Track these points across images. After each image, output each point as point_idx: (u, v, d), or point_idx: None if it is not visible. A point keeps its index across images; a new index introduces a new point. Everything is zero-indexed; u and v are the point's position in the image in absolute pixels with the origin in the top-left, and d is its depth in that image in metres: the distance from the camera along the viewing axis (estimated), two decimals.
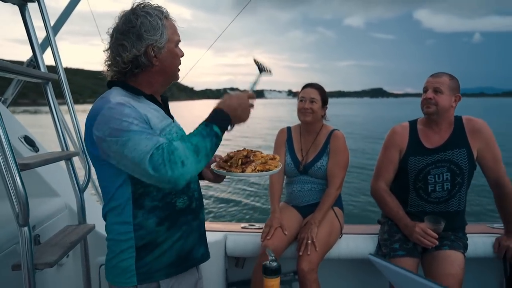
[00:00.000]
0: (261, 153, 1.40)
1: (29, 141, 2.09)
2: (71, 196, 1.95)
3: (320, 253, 2.03)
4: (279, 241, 2.07)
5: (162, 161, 1.03)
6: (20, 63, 2.23)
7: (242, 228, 2.39)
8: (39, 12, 1.91)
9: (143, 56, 1.20)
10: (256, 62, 1.39)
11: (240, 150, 1.38)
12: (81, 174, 1.94)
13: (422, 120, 2.14)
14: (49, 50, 1.98)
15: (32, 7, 1.88)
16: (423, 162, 2.04)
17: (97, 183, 2.64)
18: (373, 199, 2.22)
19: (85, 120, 1.18)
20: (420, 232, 1.93)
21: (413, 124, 2.15)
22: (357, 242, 2.24)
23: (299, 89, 2.29)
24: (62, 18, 2.48)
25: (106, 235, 1.28)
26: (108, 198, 1.24)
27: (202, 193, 1.42)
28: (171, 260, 1.27)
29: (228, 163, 1.33)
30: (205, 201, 1.59)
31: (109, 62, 1.26)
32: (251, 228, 2.37)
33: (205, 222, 1.44)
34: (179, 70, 1.33)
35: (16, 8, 1.83)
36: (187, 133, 1.20)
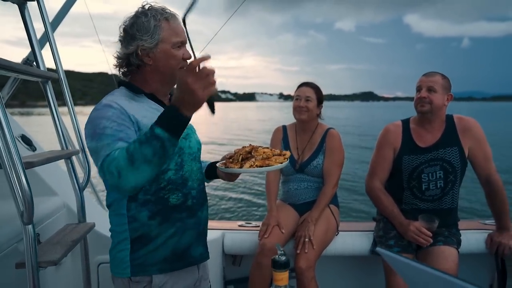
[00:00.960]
0: (270, 149, 1.36)
1: (26, 140, 2.09)
2: (69, 195, 1.95)
3: (317, 250, 2.06)
4: (277, 239, 2.09)
5: (107, 169, 1.07)
6: None
7: (239, 226, 2.40)
8: (36, 12, 1.91)
9: (134, 54, 1.24)
10: None
11: (245, 146, 1.37)
12: (80, 173, 1.95)
13: (414, 119, 2.17)
14: (47, 50, 1.97)
15: (32, 7, 1.88)
16: (417, 161, 2.08)
17: (95, 182, 2.64)
18: (368, 197, 2.24)
19: (83, 119, 1.24)
20: (415, 231, 1.97)
21: (405, 123, 2.18)
22: (353, 239, 2.27)
23: (290, 92, 2.33)
24: (58, 18, 2.47)
25: (104, 234, 1.30)
26: (109, 190, 1.29)
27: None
28: (165, 255, 1.28)
29: (231, 159, 1.33)
30: None
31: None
32: (248, 226, 2.39)
33: None
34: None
35: (6, 8, 1.83)
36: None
